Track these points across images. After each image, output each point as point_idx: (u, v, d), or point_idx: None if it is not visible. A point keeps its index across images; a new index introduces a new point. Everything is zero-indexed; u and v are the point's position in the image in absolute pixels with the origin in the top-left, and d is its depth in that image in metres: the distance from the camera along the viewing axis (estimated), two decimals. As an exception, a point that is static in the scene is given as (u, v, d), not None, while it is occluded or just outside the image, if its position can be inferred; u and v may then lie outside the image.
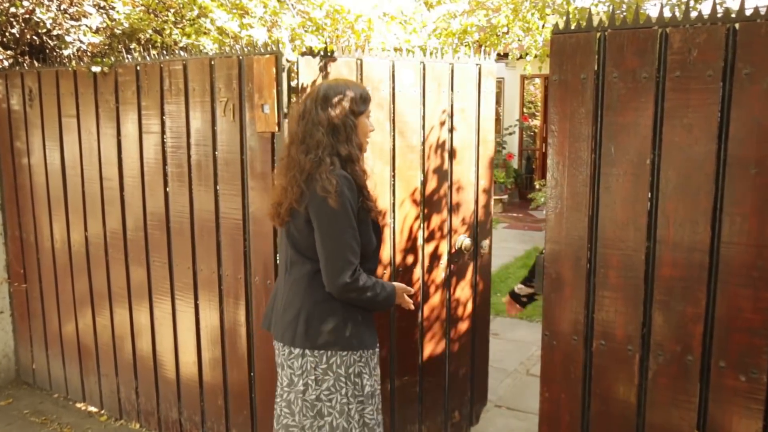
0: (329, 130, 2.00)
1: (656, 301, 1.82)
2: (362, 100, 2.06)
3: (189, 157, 2.88)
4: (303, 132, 2.01)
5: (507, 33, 4.54)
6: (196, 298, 2.98)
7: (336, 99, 2.01)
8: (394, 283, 2.18)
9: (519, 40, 4.62)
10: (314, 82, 2.52)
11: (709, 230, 1.70)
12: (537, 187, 8.44)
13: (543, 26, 4.56)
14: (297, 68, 2.47)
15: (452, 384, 3.24)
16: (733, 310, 1.70)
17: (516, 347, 4.54)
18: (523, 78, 10.46)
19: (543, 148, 10.87)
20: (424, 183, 2.91)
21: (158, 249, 3.09)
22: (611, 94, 1.80)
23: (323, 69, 2.54)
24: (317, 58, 2.52)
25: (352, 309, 2.04)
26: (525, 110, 11.21)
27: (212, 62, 2.70)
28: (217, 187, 2.81)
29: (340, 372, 2.02)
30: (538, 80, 11.41)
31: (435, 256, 3.01)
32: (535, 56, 4.98)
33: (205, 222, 2.87)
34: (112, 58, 3.06)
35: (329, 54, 2.54)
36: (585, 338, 1.95)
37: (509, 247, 7.38)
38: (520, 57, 4.57)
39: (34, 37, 3.36)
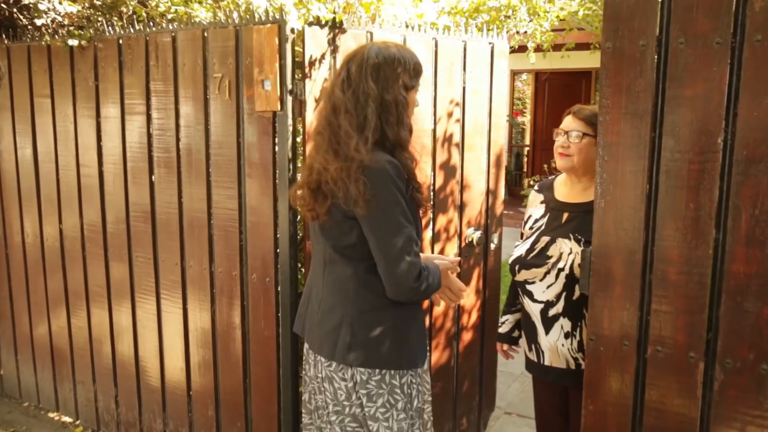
0: (378, 107, 1.68)
1: (725, 301, 1.58)
2: (415, 72, 1.75)
3: (178, 141, 2.60)
4: (352, 103, 1.67)
5: (510, 16, 4.31)
6: (184, 298, 2.70)
7: (389, 69, 1.69)
8: (437, 262, 1.85)
9: (523, 24, 4.40)
10: (323, 56, 2.25)
11: (792, 220, 1.48)
12: (530, 184, 8.27)
13: (547, 12, 4.34)
14: (303, 40, 2.21)
15: (460, 390, 3.01)
16: (820, 311, 1.47)
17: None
18: (513, 73, 10.28)
19: (533, 144, 10.71)
20: (434, 170, 2.67)
21: (142, 243, 2.79)
22: (676, 63, 1.57)
23: (332, 42, 2.28)
24: (325, 29, 2.25)
25: (403, 321, 1.76)
26: (513, 107, 11.04)
27: (205, 33, 2.42)
28: (210, 175, 2.53)
29: (395, 383, 1.75)
30: (526, 75, 11.23)
31: (444, 251, 2.77)
32: (535, 49, 4.75)
33: (195, 213, 2.59)
34: (91, 31, 2.76)
35: (338, 25, 2.28)
36: (638, 344, 1.72)
37: (502, 244, 7.16)
38: (513, 51, 4.34)
39: (3, 5, 3.03)
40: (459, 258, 1.99)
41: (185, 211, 2.62)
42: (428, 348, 1.85)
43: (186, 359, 2.74)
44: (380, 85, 1.68)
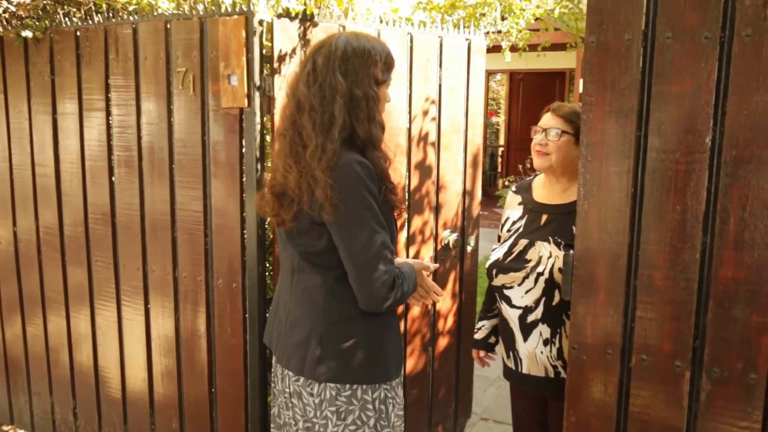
0: (348, 103, 1.55)
1: (712, 307, 1.52)
2: (387, 66, 1.63)
3: (139, 139, 2.46)
4: (318, 99, 1.55)
5: (486, 14, 4.24)
6: (146, 304, 2.56)
7: (359, 61, 1.56)
8: (411, 262, 1.76)
9: (499, 23, 4.33)
10: (293, 50, 2.14)
11: (783, 223, 1.41)
12: (506, 184, 8.25)
13: (523, 9, 4.28)
14: (272, 32, 2.09)
15: (435, 397, 2.92)
16: (811, 318, 1.41)
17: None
18: (488, 73, 10.27)
19: (507, 145, 10.70)
20: (409, 170, 2.57)
21: (102, 247, 2.65)
22: (663, 59, 1.49)
23: (303, 35, 2.17)
24: (296, 22, 2.14)
25: (377, 331, 1.65)
26: (488, 107, 11.03)
27: (168, 25, 2.29)
28: (173, 175, 2.40)
29: (367, 399, 1.63)
30: (500, 76, 11.23)
31: (418, 255, 2.68)
32: (510, 48, 4.69)
33: (158, 215, 2.46)
34: (47, 22, 2.60)
35: (309, 18, 2.17)
36: (622, 352, 1.64)
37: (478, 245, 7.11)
38: (488, 51, 4.28)
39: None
40: (437, 265, 1.89)
41: (147, 212, 2.49)
42: (403, 357, 1.74)
43: (148, 369, 2.60)
44: (349, 78, 1.56)
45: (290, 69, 2.17)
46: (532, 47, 5.22)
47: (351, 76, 1.56)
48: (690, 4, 1.45)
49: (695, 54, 1.46)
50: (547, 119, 2.04)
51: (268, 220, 2.20)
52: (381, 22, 2.45)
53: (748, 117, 1.43)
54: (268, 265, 2.31)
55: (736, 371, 1.51)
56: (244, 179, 2.21)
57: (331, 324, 1.61)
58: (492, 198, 9.37)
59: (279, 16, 2.10)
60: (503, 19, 4.39)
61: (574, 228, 1.95)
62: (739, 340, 1.49)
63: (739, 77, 1.42)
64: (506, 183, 8.42)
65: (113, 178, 2.56)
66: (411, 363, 2.73)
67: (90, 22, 2.49)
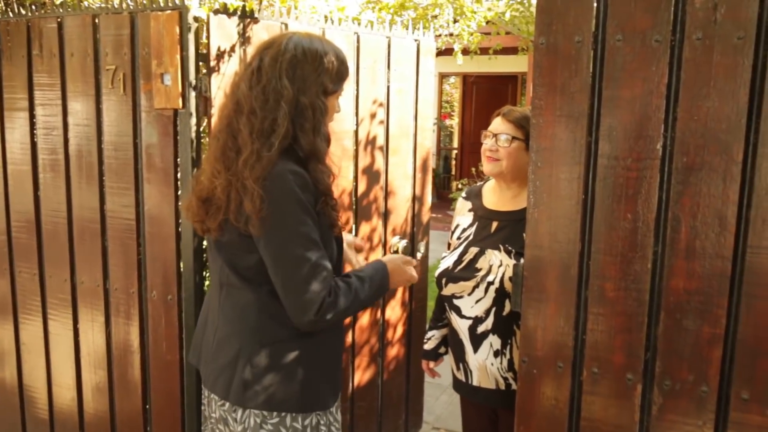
0: (293, 111, 1.43)
1: (664, 319, 1.47)
2: (339, 76, 1.51)
3: (66, 141, 2.30)
4: (260, 102, 1.42)
5: (437, 16, 4.19)
6: (75, 318, 2.40)
7: (309, 67, 1.44)
8: (386, 260, 1.65)
9: (450, 25, 4.29)
10: (232, 48, 2.02)
11: (734, 232, 1.38)
12: (459, 187, 8.25)
13: (475, 12, 4.26)
14: (208, 29, 1.97)
15: (385, 408, 2.83)
16: (762, 329, 1.38)
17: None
18: (441, 75, 10.28)
19: (461, 147, 10.74)
20: (356, 175, 2.48)
21: (26, 257, 2.46)
22: (613, 62, 1.44)
23: (242, 33, 2.05)
24: (234, 19, 2.02)
25: (313, 354, 1.53)
26: (442, 110, 11.05)
27: (96, 20, 2.14)
28: (103, 180, 2.25)
29: (297, 427, 1.50)
30: (454, 78, 11.26)
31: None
32: (462, 51, 4.66)
33: (87, 223, 2.30)
34: (-37, 14, 2.41)
35: (249, 14, 2.05)
36: (573, 365, 1.58)
37: (431, 248, 7.08)
38: (440, 53, 4.24)
39: None
40: (416, 261, 1.74)
41: (75, 220, 2.32)
42: (345, 378, 1.63)
43: (78, 388, 2.44)
44: (296, 85, 1.44)
45: (229, 68, 2.05)
46: (484, 50, 5.22)
47: (298, 82, 1.45)
48: (640, 6, 1.40)
49: (646, 57, 1.41)
50: (498, 124, 1.98)
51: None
52: (326, 20, 2.35)
53: (698, 123, 1.39)
54: (205, 275, 2.17)
55: (687, 384, 1.47)
56: (179, 185, 2.08)
57: (262, 345, 1.49)
58: (446, 201, 9.38)
59: (216, 12, 1.98)
60: (455, 21, 4.35)
61: (525, 235, 1.90)
62: (691, 351, 1.46)
63: (690, 82, 1.38)
64: (459, 186, 8.42)
65: (38, 183, 2.39)
66: (359, 375, 2.64)
67: (11, 14, 2.31)
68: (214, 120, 1.97)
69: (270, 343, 1.49)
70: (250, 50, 2.08)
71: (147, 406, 2.32)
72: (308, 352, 1.52)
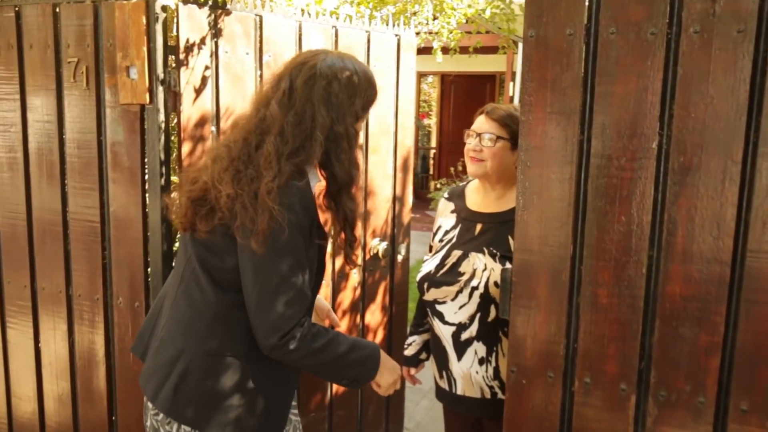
0: (327, 140, 1.39)
1: (659, 326, 1.41)
2: (369, 102, 1.48)
3: (25, 138, 2.18)
4: (291, 128, 1.37)
5: (417, 12, 4.11)
6: (36, 326, 2.28)
7: (345, 95, 1.40)
8: (384, 354, 1.58)
9: (430, 22, 4.21)
10: (202, 40, 1.91)
11: (733, 235, 1.31)
12: (438, 186, 8.19)
13: (455, 9, 4.19)
14: (177, 20, 1.86)
15: (365, 416, 2.74)
16: (762, 337, 1.32)
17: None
18: (419, 74, 10.23)
19: (439, 147, 10.69)
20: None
21: (-18, 261, 2.32)
22: (607, 56, 1.37)
23: (213, 24, 1.94)
24: (205, 9, 1.91)
25: (259, 384, 1.42)
26: (420, 109, 11.00)
27: (57, 9, 2.02)
28: (65, 179, 2.12)
29: None
30: (432, 78, 11.21)
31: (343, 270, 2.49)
32: (441, 49, 4.59)
33: (48, 225, 2.17)
34: None
35: (221, 5, 1.94)
36: (564, 375, 1.51)
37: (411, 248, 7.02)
38: (419, 52, 4.18)
39: None
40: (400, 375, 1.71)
41: (36, 222, 2.19)
42: (293, 405, 1.53)
43: (39, 400, 2.30)
44: (332, 114, 1.40)
45: (199, 61, 1.94)
46: (464, 49, 5.16)
47: (333, 111, 1.40)
48: (635, -3, 1.33)
49: (641, 51, 1.34)
50: (481, 123, 1.90)
51: (178, 234, 1.96)
52: (303, 14, 2.25)
53: (696, 121, 1.32)
54: (175, 280, 2.06)
55: (684, 394, 1.40)
56: (146, 185, 1.97)
57: (207, 355, 1.38)
58: (424, 201, 9.32)
59: (185, 1, 1.87)
60: (435, 18, 4.27)
61: (510, 238, 1.82)
62: (687, 361, 1.39)
63: (687, 78, 1.32)
64: (438, 186, 8.37)
65: (-4, 183, 2.25)
66: (338, 382, 2.54)
67: (-35, 3, 2.17)
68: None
69: (216, 355, 1.38)
70: (223, 42, 1.97)
71: (113, 418, 2.21)
72: (256, 379, 1.40)
